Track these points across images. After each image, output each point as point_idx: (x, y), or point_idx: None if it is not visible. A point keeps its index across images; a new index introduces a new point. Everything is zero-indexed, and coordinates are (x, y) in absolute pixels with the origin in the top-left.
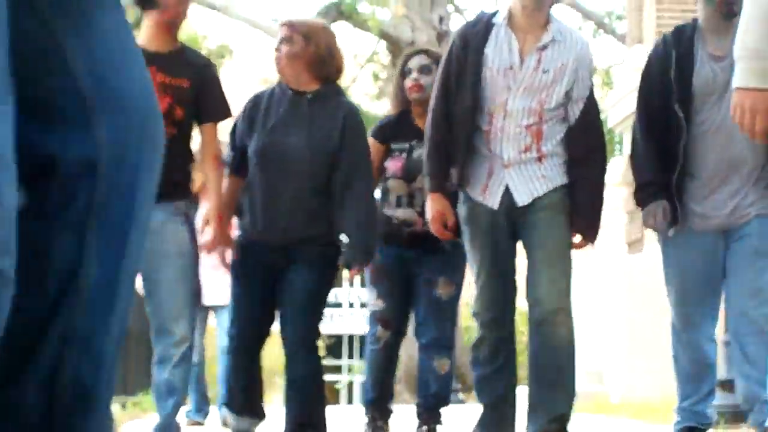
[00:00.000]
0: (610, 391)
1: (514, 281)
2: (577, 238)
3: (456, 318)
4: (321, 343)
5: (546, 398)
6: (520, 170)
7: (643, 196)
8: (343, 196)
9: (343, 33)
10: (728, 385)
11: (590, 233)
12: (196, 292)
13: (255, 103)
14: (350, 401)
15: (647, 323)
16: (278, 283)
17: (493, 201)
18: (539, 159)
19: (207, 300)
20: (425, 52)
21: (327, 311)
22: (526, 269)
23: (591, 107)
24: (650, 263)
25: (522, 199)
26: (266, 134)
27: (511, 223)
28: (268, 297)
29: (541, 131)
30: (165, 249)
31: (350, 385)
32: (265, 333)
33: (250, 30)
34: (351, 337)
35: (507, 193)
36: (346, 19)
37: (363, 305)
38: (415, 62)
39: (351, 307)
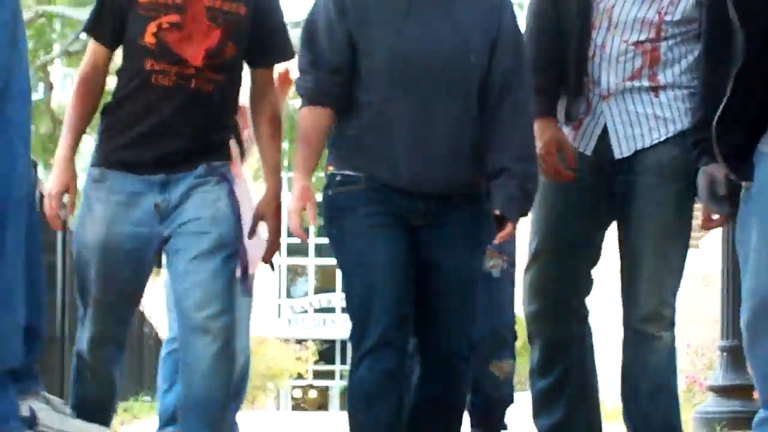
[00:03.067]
0: (605, 396)
1: (587, 265)
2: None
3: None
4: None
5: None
6: (623, 103)
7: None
8: (496, 112)
9: None
10: (727, 391)
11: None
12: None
13: None
14: (343, 408)
15: None
16: (421, 255)
17: (587, 144)
18: (653, 90)
19: None
20: None
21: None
22: (619, 255)
23: None
24: None
25: (620, 148)
26: (401, 32)
27: (604, 182)
28: (410, 274)
29: (658, 52)
30: (197, 218)
31: (344, 390)
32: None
33: None
34: (344, 342)
35: (603, 138)
36: None
37: None
38: None
39: (344, 313)
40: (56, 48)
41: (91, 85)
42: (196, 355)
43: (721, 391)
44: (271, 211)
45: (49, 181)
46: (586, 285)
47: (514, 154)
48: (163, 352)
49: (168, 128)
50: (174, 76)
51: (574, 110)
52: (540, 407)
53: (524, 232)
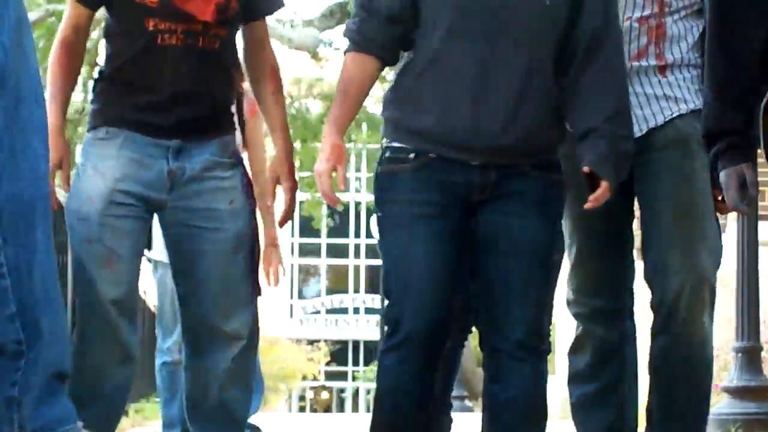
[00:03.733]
0: None
1: (627, 252)
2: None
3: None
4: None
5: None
6: (630, 87)
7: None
8: (583, 71)
9: None
10: (742, 392)
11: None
12: (254, 268)
13: None
14: (356, 409)
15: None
16: (477, 231)
17: None
18: (661, 71)
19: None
20: None
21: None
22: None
23: None
24: None
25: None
26: None
27: None
28: (459, 256)
29: (663, 28)
30: (215, 209)
31: (356, 392)
32: (450, 318)
33: None
34: (357, 343)
35: None
36: None
37: (369, 311)
38: None
39: (356, 313)
40: None
41: (74, 48)
42: (216, 365)
43: (736, 393)
44: (285, 171)
45: None
46: (631, 271)
47: (604, 114)
48: (158, 362)
49: (182, 92)
50: (181, 35)
51: None
52: (586, 413)
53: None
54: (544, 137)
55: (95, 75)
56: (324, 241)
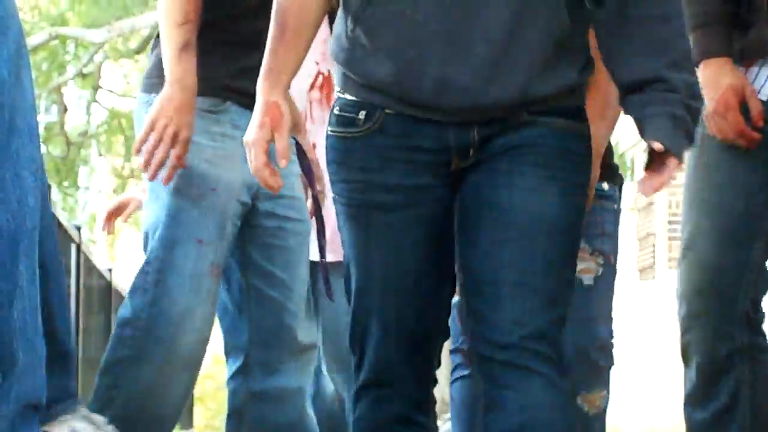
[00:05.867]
0: (619, 420)
1: (760, 252)
2: None
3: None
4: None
5: None
6: None
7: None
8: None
9: None
10: None
11: None
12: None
13: None
14: None
15: (658, 350)
16: (465, 205)
17: (760, 89)
18: None
19: None
20: None
21: None
22: None
23: None
24: (662, 290)
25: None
26: None
27: None
28: (444, 239)
29: None
30: (292, 197)
31: None
32: (441, 316)
33: None
34: None
35: None
36: None
37: None
38: None
39: None
40: (70, 70)
41: None
42: (289, 380)
43: None
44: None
45: (168, 115)
46: (760, 280)
47: (668, 59)
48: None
49: None
50: None
51: (749, 46)
52: None
53: (632, 220)
54: (550, 83)
55: (98, 98)
56: None
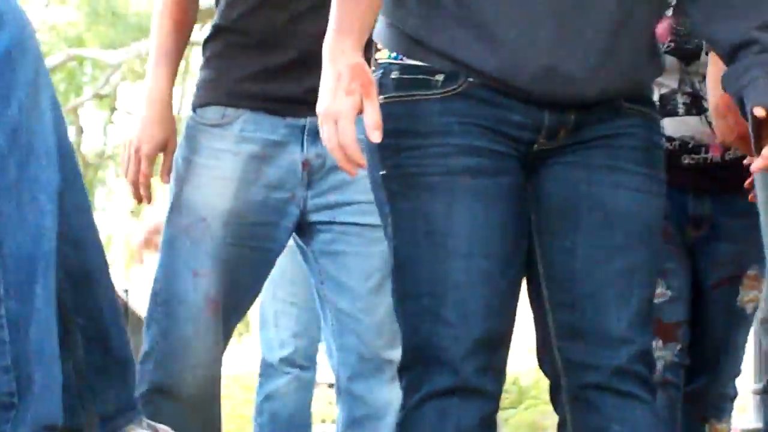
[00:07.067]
0: None
1: None
2: None
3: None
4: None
5: None
6: None
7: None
8: None
9: None
10: None
11: None
12: None
13: None
14: None
15: None
16: (540, 199)
17: None
18: None
19: None
20: None
21: None
22: None
23: None
24: None
25: None
26: None
27: None
28: (519, 229)
29: None
30: (359, 201)
31: None
32: (512, 310)
33: None
34: None
35: None
36: None
37: None
38: None
39: None
40: (87, 91)
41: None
42: (370, 394)
43: None
44: None
45: (133, 132)
46: None
47: (760, 19)
48: (258, 399)
49: (315, 54)
50: None
51: None
52: None
53: None
54: (649, 72)
55: (114, 119)
56: None
